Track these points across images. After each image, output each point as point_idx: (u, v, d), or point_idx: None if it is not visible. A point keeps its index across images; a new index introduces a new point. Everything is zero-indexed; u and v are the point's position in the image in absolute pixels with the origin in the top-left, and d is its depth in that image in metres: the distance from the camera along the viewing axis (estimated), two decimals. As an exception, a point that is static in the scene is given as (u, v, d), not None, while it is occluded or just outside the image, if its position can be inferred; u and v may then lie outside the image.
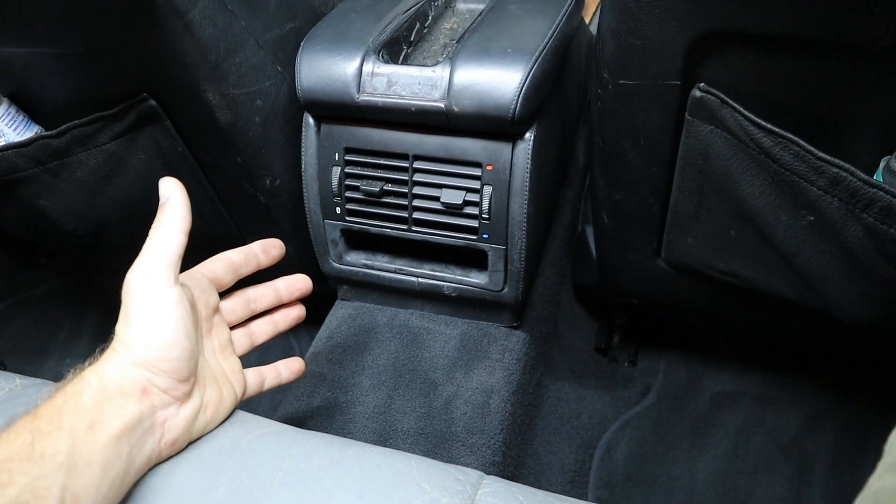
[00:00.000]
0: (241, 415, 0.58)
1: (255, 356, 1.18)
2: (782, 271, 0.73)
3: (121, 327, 0.49)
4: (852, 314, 0.71)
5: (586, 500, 0.96)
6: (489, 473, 0.75)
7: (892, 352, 0.97)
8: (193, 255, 1.01)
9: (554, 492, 0.91)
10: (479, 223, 0.76)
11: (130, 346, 0.48)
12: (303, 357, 1.17)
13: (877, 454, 1.01)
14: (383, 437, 0.77)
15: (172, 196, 0.57)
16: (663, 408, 1.06)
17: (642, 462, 1.00)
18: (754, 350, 1.10)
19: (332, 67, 0.74)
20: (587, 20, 1.04)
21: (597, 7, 1.17)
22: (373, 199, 0.79)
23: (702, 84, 0.63)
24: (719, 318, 1.01)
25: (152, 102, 0.74)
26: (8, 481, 0.36)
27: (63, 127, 0.76)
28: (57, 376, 1.23)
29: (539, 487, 0.89)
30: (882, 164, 0.66)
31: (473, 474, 0.53)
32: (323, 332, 0.93)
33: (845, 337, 0.91)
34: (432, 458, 0.76)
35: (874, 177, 0.62)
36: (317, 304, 1.01)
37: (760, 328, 1.02)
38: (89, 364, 0.46)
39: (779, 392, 1.06)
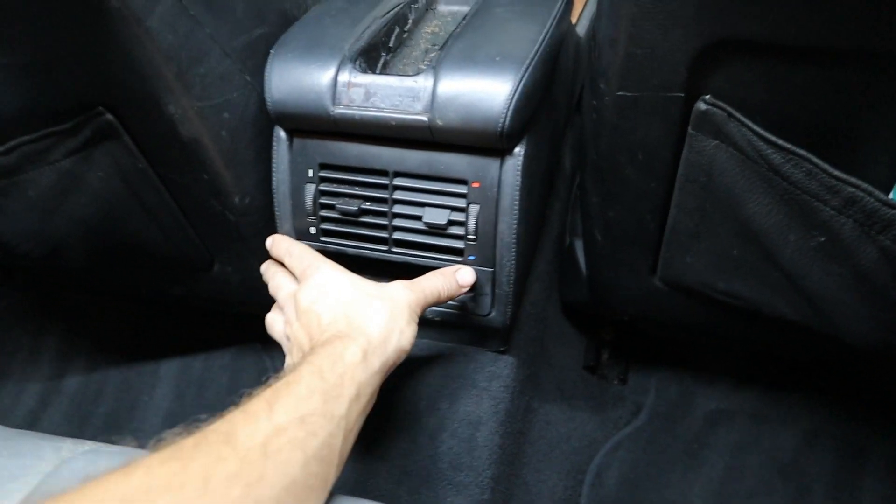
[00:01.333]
0: None
1: (227, 377, 1.13)
2: (788, 293, 0.69)
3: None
4: (862, 337, 0.67)
5: (579, 530, 0.92)
6: (478, 514, 0.71)
7: (892, 370, 0.93)
8: (159, 277, 0.96)
9: (544, 522, 0.87)
10: (465, 244, 0.71)
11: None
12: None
13: (875, 473, 0.97)
14: (363, 478, 0.72)
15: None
16: (655, 428, 1.02)
17: (634, 487, 0.96)
18: (748, 366, 1.06)
19: (304, 77, 0.68)
20: (573, 20, 0.98)
21: (583, 7, 1.12)
22: (350, 218, 0.73)
23: (707, 96, 0.59)
24: (714, 336, 0.97)
25: (109, 117, 0.68)
26: (313, 432, 0.45)
27: (11, 143, 0.70)
28: (15, 403, 1.17)
29: (529, 520, 0.85)
30: (898, 183, 0.62)
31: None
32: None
33: (847, 356, 0.88)
34: (416, 500, 0.71)
35: (889, 195, 0.58)
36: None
37: (756, 345, 0.98)
38: None
39: (774, 409, 1.02)
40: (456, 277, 0.70)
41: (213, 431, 0.42)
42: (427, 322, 0.80)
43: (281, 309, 0.67)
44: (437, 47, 0.77)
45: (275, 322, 0.68)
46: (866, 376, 1.01)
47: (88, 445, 0.56)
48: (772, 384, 1.04)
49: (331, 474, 0.47)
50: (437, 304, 0.67)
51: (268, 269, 0.72)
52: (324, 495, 0.46)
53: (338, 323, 0.57)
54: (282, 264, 0.71)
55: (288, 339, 0.63)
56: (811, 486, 0.95)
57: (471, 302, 0.76)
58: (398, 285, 0.63)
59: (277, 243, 0.71)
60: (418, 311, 0.63)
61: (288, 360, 0.63)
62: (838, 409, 1.01)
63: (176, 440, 0.41)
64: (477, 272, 0.73)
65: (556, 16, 0.73)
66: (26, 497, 0.51)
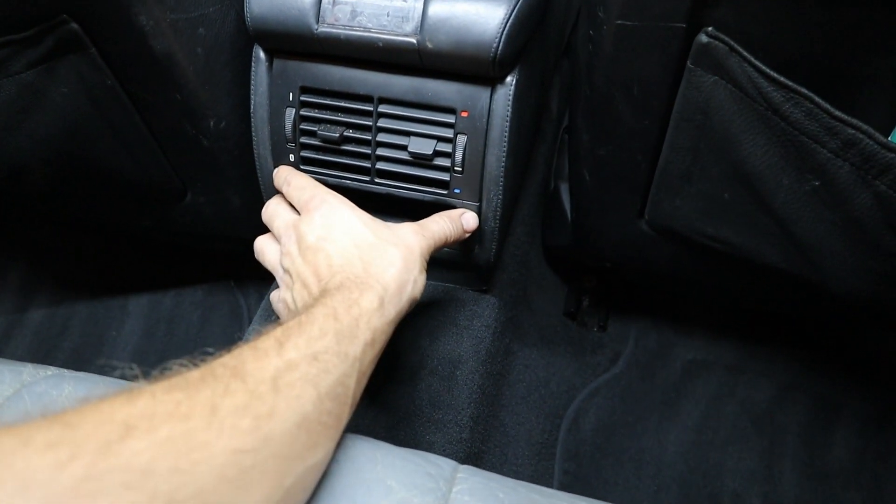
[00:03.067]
0: None
1: (199, 314, 1.10)
2: (778, 239, 0.67)
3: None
4: (849, 287, 0.66)
5: (552, 472, 0.91)
6: (454, 451, 0.69)
7: (884, 326, 0.93)
8: (128, 206, 0.92)
9: (520, 465, 0.86)
10: (451, 176, 0.68)
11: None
12: (251, 318, 1.09)
13: (848, 427, 0.98)
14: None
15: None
16: (633, 376, 1.01)
17: (611, 433, 0.95)
18: (728, 318, 1.06)
19: None
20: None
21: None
22: (331, 146, 0.70)
23: (709, 28, 0.56)
24: (697, 285, 0.96)
25: (74, 26, 0.64)
26: (326, 369, 0.43)
27: None
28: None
29: (505, 461, 0.85)
30: (898, 127, 0.60)
31: (446, 466, 0.47)
32: (273, 291, 0.85)
33: (830, 308, 0.87)
34: (394, 436, 0.69)
35: (889, 139, 0.56)
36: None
37: (739, 296, 0.97)
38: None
39: (751, 361, 1.02)
40: (461, 221, 0.68)
41: (221, 365, 0.40)
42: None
43: (276, 238, 0.64)
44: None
45: (266, 249, 0.64)
46: (846, 331, 1.01)
47: (52, 371, 0.54)
48: (750, 337, 1.04)
49: (344, 414, 0.45)
50: (442, 248, 0.66)
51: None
52: (337, 434, 0.45)
53: (352, 266, 0.55)
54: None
55: (285, 271, 0.59)
56: (784, 437, 0.96)
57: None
58: (409, 230, 0.61)
59: (277, 172, 0.69)
60: (427, 258, 0.61)
61: (284, 293, 0.60)
62: (814, 364, 1.01)
63: (180, 371, 0.39)
64: (462, 206, 0.70)
65: None
66: (-17, 420, 0.48)
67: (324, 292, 0.52)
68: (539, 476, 0.87)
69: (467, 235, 0.69)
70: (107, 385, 0.52)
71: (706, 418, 0.97)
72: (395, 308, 0.54)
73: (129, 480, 0.31)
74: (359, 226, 0.58)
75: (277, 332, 0.44)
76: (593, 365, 1.01)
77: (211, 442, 0.35)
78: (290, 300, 0.58)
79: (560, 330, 1.03)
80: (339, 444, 0.46)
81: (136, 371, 0.40)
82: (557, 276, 1.08)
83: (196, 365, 0.40)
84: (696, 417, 0.97)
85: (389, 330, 0.53)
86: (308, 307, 0.49)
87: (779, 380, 1.00)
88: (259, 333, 0.45)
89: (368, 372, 0.50)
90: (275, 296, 0.64)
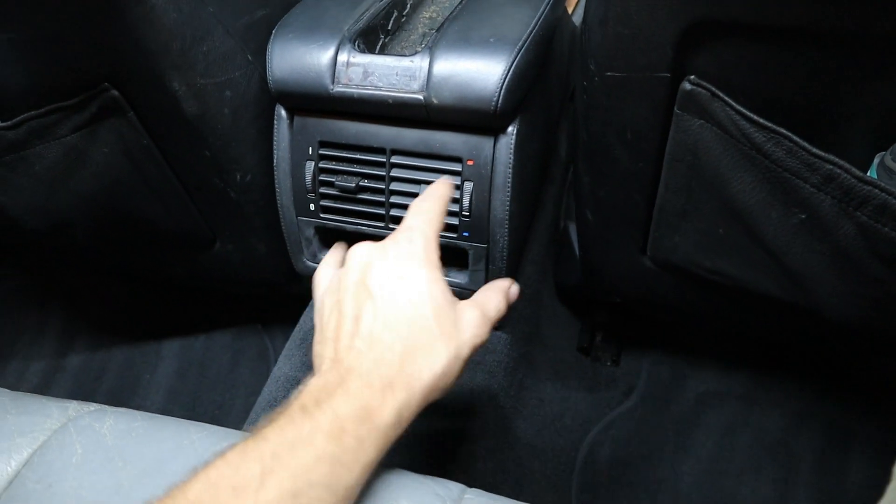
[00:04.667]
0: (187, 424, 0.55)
1: (228, 356, 1.15)
2: (771, 270, 0.71)
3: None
4: (842, 313, 0.69)
5: (569, 504, 0.94)
6: (470, 482, 0.73)
7: (880, 351, 0.95)
8: (162, 255, 0.98)
9: (536, 497, 0.89)
10: (460, 221, 0.73)
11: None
12: (276, 359, 1.14)
13: (862, 454, 0.99)
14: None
15: None
16: (647, 408, 1.04)
17: (626, 465, 0.98)
18: (738, 349, 1.08)
19: (305, 56, 0.70)
20: (570, 10, 1.00)
21: (579, -2, 1.14)
22: (348, 195, 0.75)
23: (692, 77, 0.60)
24: (704, 317, 0.99)
25: (114, 93, 0.70)
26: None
27: (19, 118, 0.72)
28: (20, 380, 1.20)
29: (520, 493, 0.88)
30: (876, 161, 0.64)
31: (455, 488, 0.50)
32: (297, 333, 0.90)
33: (832, 336, 0.90)
34: (410, 467, 0.73)
35: (868, 174, 0.60)
36: (291, 304, 0.98)
37: (745, 326, 1.00)
38: None
39: (764, 391, 1.04)
40: (509, 294, 0.58)
41: None
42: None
43: (336, 265, 0.57)
44: (434, 31, 0.79)
45: (322, 279, 0.57)
46: (850, 357, 1.03)
47: (94, 406, 0.59)
48: (761, 367, 1.06)
49: None
50: None
51: None
52: None
53: (391, 349, 0.47)
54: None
55: (322, 304, 0.53)
56: (799, 465, 0.97)
57: (466, 279, 0.78)
58: (475, 317, 0.51)
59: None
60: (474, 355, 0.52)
61: (315, 340, 0.52)
62: (826, 391, 1.03)
63: None
64: (472, 248, 0.75)
65: (549, 0, 0.75)
66: (34, 452, 0.53)
67: (344, 378, 0.45)
68: (555, 508, 0.90)
69: None
70: (144, 420, 0.57)
71: (720, 448, 0.99)
72: (410, 418, 0.47)
73: None
74: (424, 293, 0.49)
75: (266, 454, 0.40)
76: (607, 399, 1.04)
77: None
78: (324, 316, 0.51)
79: (573, 365, 1.06)
80: None
81: None
82: (570, 312, 1.11)
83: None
84: (710, 447, 0.99)
85: (395, 438, 0.47)
86: (315, 409, 0.43)
87: (791, 408, 1.02)
88: (255, 438, 0.41)
89: (362, 483, 0.45)
90: (322, 278, 0.57)
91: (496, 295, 0.56)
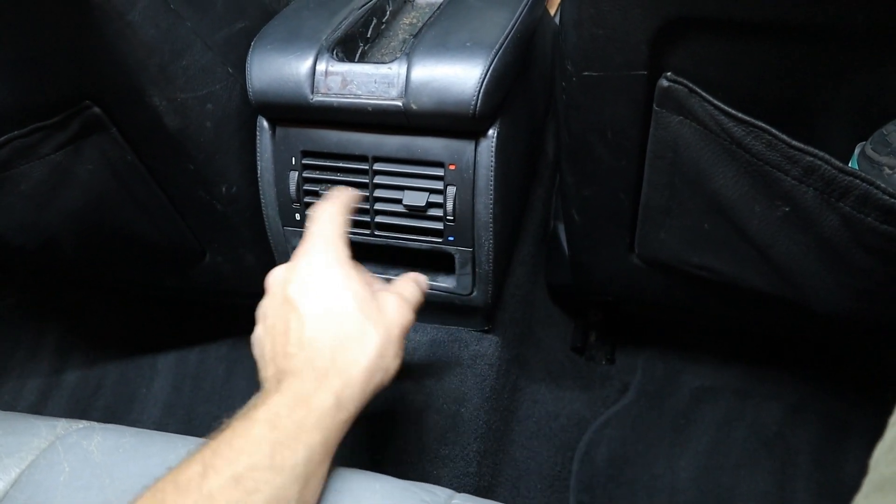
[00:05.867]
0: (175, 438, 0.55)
1: (223, 368, 1.15)
2: (757, 264, 0.71)
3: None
4: (829, 305, 0.69)
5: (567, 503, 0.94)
6: (463, 486, 0.73)
7: (869, 342, 0.95)
8: (152, 269, 0.98)
9: (533, 497, 0.89)
10: (444, 225, 0.73)
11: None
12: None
13: (859, 445, 0.99)
14: (350, 452, 0.74)
15: None
16: (642, 405, 1.04)
17: (623, 462, 0.98)
18: (733, 344, 1.08)
19: (284, 67, 0.70)
20: (552, 11, 1.01)
21: (561, -1, 1.14)
22: (333, 203, 0.75)
23: (668, 73, 0.61)
24: (696, 313, 0.99)
25: (96, 110, 0.71)
26: (254, 489, 0.41)
27: (2, 139, 0.72)
28: (17, 398, 1.19)
29: (517, 495, 0.88)
30: (857, 151, 0.64)
31: (442, 494, 0.50)
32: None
33: (822, 328, 0.90)
34: (402, 472, 0.73)
35: (849, 164, 0.60)
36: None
37: (738, 321, 1.00)
38: None
39: (758, 385, 1.04)
40: (419, 282, 0.62)
41: None
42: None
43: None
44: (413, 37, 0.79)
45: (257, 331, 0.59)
46: (842, 349, 1.03)
47: (83, 423, 0.59)
48: (756, 361, 1.06)
49: None
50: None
51: None
52: None
53: (319, 347, 0.49)
54: None
55: (263, 315, 0.55)
56: (796, 458, 0.97)
57: (453, 283, 0.78)
58: (395, 300, 0.55)
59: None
60: (405, 334, 0.55)
61: (258, 338, 0.55)
62: (821, 384, 1.03)
63: None
64: (457, 252, 0.75)
65: (527, 3, 0.75)
66: (22, 472, 0.53)
67: (277, 380, 0.49)
68: (553, 508, 0.90)
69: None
70: (132, 435, 0.57)
71: (716, 443, 0.99)
72: (355, 404, 0.49)
73: None
74: (342, 288, 0.52)
75: (207, 454, 0.42)
76: (602, 397, 1.04)
77: None
78: (263, 346, 0.53)
79: (567, 365, 1.06)
80: (340, 478, 0.50)
81: None
82: (563, 312, 1.11)
83: None
84: (707, 443, 0.99)
85: (348, 424, 0.49)
86: (252, 408, 0.46)
87: (787, 402, 1.02)
88: (193, 452, 0.44)
89: (324, 466, 0.47)
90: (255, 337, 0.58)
91: (408, 283, 0.60)
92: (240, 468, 0.41)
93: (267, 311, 0.54)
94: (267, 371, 0.51)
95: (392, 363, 0.52)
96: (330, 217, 0.57)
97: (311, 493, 0.46)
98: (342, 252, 0.55)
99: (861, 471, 0.94)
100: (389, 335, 0.52)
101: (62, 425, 0.58)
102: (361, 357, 0.50)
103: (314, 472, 0.45)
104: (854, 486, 1.01)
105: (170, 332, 1.20)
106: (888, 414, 1.00)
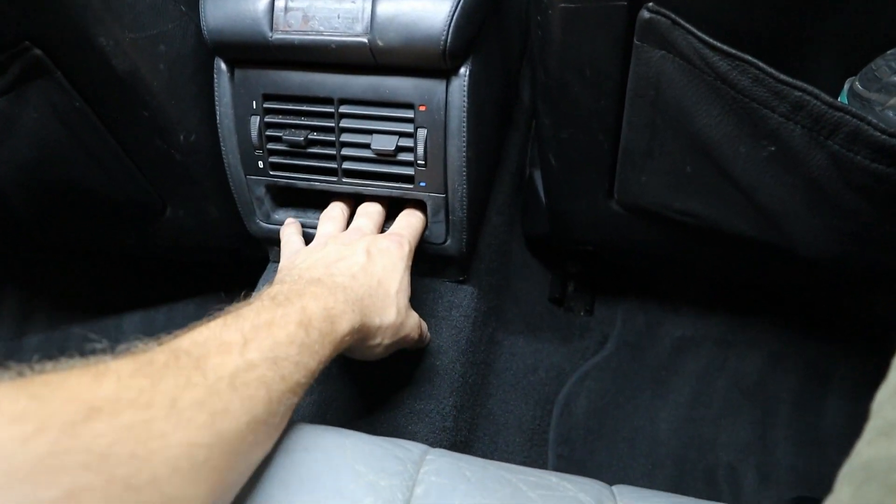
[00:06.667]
0: None
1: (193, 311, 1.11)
2: (742, 207, 0.68)
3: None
4: (816, 249, 0.67)
5: (546, 459, 0.92)
6: (439, 441, 0.70)
7: (853, 288, 0.94)
8: (111, 225, 0.94)
9: (512, 452, 0.87)
10: (415, 170, 0.70)
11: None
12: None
13: (838, 394, 0.97)
14: (322, 410, 0.71)
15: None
16: (622, 357, 1.02)
17: (603, 415, 0.96)
18: (714, 293, 1.06)
19: (240, 3, 0.65)
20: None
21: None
22: (297, 149, 0.71)
23: (650, 4, 0.57)
24: (678, 262, 0.97)
25: (37, 52, 0.65)
26: (283, 376, 0.45)
27: None
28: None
29: (495, 449, 0.86)
30: (846, 87, 0.61)
31: (416, 450, 0.48)
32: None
33: (805, 275, 0.88)
34: (376, 428, 0.70)
35: (838, 100, 0.57)
36: (247, 268, 0.94)
37: (720, 270, 0.98)
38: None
39: (740, 335, 1.03)
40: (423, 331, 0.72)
41: (185, 353, 0.41)
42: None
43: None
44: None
45: (293, 241, 0.72)
46: (824, 297, 1.01)
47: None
48: (736, 311, 1.05)
49: (286, 418, 0.47)
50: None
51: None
52: (277, 435, 0.46)
53: (353, 289, 0.58)
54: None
55: (347, 235, 0.67)
56: (776, 406, 0.96)
57: (426, 231, 0.75)
58: (416, 320, 0.67)
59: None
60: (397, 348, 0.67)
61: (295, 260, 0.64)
62: (801, 333, 1.02)
63: (146, 350, 0.40)
64: (429, 199, 0.71)
65: None
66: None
67: (312, 284, 0.55)
68: (532, 462, 0.88)
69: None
70: None
71: (698, 393, 0.98)
72: (354, 340, 0.56)
73: (89, 462, 0.32)
74: (396, 277, 0.63)
75: (246, 327, 0.45)
76: (582, 349, 1.02)
77: (168, 433, 0.36)
78: (286, 265, 0.64)
79: (546, 316, 1.04)
80: (310, 435, 0.47)
81: (104, 345, 0.40)
82: (540, 263, 1.09)
83: (161, 348, 0.41)
84: (688, 393, 0.98)
85: (344, 347, 0.55)
86: (290, 298, 0.51)
87: (768, 351, 1.00)
88: (226, 315, 0.47)
89: (318, 373, 0.52)
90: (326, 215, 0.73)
91: (411, 220, 0.72)
92: (279, 352, 0.45)
93: (346, 240, 0.65)
94: (293, 268, 0.61)
95: (379, 348, 0.62)
96: (415, 230, 0.71)
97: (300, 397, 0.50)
98: (410, 261, 0.67)
99: (841, 418, 0.93)
100: (397, 329, 0.62)
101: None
102: (375, 317, 0.59)
103: (311, 381, 0.50)
104: (834, 433, 1.00)
105: (135, 291, 1.16)
106: (868, 361, 0.99)
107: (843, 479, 0.25)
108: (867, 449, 0.26)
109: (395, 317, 0.61)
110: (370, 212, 0.72)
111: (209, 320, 0.46)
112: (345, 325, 0.53)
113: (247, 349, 0.44)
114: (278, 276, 0.61)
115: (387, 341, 0.62)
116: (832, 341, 1.00)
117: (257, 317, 0.47)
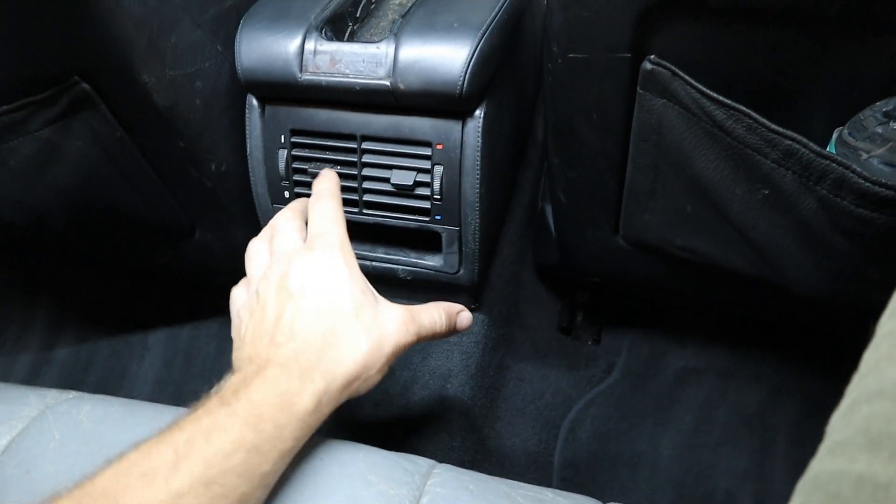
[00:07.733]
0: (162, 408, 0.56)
1: (214, 345, 1.16)
2: (739, 246, 0.72)
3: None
4: (808, 287, 0.70)
5: (551, 481, 0.96)
6: (446, 459, 0.74)
7: (847, 325, 0.97)
8: (143, 245, 0.99)
9: (517, 473, 0.91)
10: (432, 204, 0.74)
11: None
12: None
13: (837, 425, 0.99)
14: (337, 427, 0.75)
15: None
16: (627, 385, 1.05)
17: (607, 440, 0.99)
18: (717, 326, 1.09)
19: (272, 46, 0.71)
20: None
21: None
22: (322, 182, 0.76)
23: (652, 56, 0.61)
24: (680, 294, 1.00)
25: (85, 86, 0.71)
26: (222, 495, 0.40)
27: None
28: (7, 373, 1.20)
29: (501, 471, 0.89)
30: (834, 136, 0.65)
31: (424, 463, 0.52)
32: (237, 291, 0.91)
33: (802, 310, 0.91)
34: (386, 446, 0.74)
35: (827, 149, 0.61)
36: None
37: (721, 303, 1.01)
38: None
39: (742, 367, 1.06)
40: (457, 320, 0.61)
41: (102, 494, 0.38)
42: (398, 282, 0.83)
43: (247, 284, 0.58)
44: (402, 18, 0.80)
45: (238, 297, 0.59)
46: (819, 332, 1.04)
47: (73, 394, 0.60)
48: (739, 343, 1.08)
49: None
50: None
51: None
52: None
53: (308, 340, 0.48)
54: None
55: (257, 292, 0.53)
56: (775, 436, 0.99)
57: (440, 261, 0.79)
58: (396, 317, 0.53)
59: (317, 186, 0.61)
60: (398, 355, 0.53)
61: (244, 311, 0.53)
62: (802, 367, 1.04)
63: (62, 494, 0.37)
64: (444, 231, 0.76)
65: None
66: (13, 439, 0.54)
67: (257, 371, 0.47)
68: (536, 483, 0.91)
69: (455, 335, 0.63)
70: (122, 405, 0.58)
71: (699, 422, 1.01)
72: (329, 407, 0.49)
73: None
74: (344, 290, 0.51)
75: (180, 441, 0.41)
76: (588, 377, 1.06)
77: None
78: (242, 326, 0.53)
79: (554, 344, 1.08)
80: (327, 448, 0.51)
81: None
82: (550, 292, 1.13)
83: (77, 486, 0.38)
84: (689, 422, 1.01)
85: (316, 427, 0.48)
86: (232, 394, 0.44)
87: (769, 383, 1.03)
88: (173, 426, 0.42)
89: (286, 464, 0.46)
90: (237, 297, 0.59)
91: (436, 309, 0.58)
92: (213, 472, 0.40)
93: (259, 291, 0.52)
94: (242, 351, 0.50)
95: (374, 377, 0.51)
96: (335, 213, 0.57)
97: (267, 493, 0.45)
98: (350, 254, 0.54)
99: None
100: (380, 348, 0.50)
101: (52, 395, 0.59)
102: (349, 360, 0.49)
103: (277, 474, 0.45)
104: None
105: (161, 308, 1.21)
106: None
107: (796, 492, 0.29)
108: (817, 465, 0.29)
109: (366, 340, 0.49)
110: (277, 224, 0.59)
111: (145, 440, 0.42)
112: (306, 401, 0.46)
113: (175, 473, 0.39)
114: (235, 364, 0.51)
115: (379, 364, 0.51)
116: (831, 376, 1.02)
117: (197, 425, 0.42)
